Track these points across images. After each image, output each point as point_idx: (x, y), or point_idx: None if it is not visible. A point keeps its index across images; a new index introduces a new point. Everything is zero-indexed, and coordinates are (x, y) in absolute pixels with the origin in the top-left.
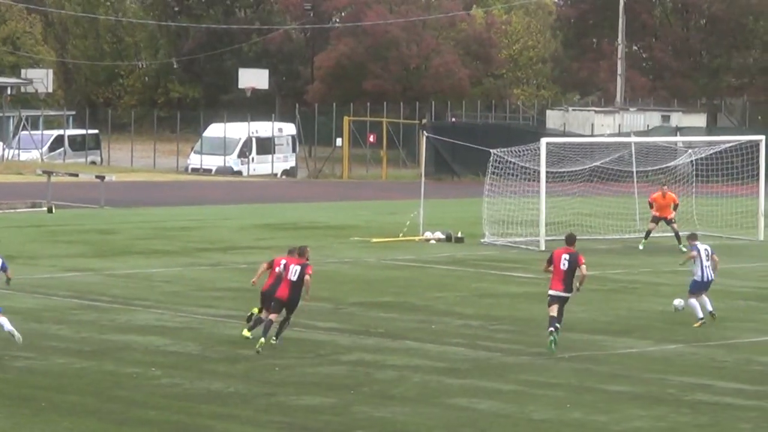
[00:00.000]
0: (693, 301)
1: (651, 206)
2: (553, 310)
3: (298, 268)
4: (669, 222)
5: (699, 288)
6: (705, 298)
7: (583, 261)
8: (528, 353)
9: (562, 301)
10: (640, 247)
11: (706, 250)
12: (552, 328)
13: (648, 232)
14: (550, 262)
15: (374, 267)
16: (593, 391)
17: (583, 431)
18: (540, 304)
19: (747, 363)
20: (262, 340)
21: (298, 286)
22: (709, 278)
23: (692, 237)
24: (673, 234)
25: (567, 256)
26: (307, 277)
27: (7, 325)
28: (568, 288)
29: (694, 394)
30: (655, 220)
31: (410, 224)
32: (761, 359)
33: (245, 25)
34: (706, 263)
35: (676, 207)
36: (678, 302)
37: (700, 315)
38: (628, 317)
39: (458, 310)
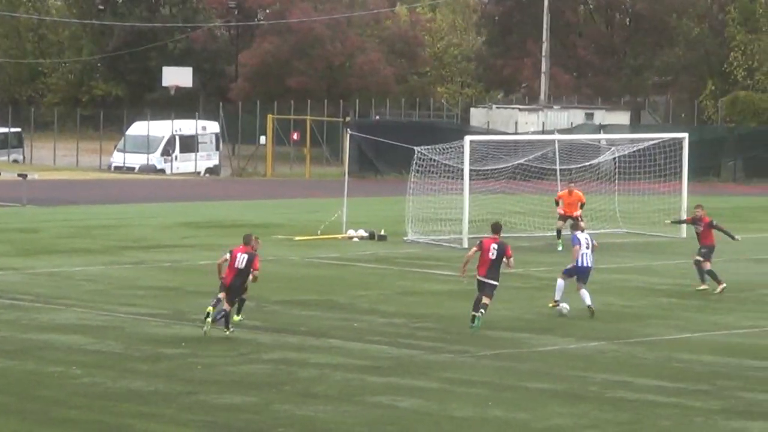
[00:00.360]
0: (560, 281)
1: (557, 204)
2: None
3: (245, 256)
4: (574, 220)
5: (572, 273)
6: (585, 292)
7: (511, 253)
8: (450, 351)
9: (490, 288)
10: (559, 248)
11: (586, 239)
12: (477, 313)
13: (558, 231)
14: (479, 247)
15: (297, 265)
16: (515, 389)
17: (505, 429)
18: (463, 302)
19: (667, 360)
20: (209, 320)
21: (243, 273)
22: (587, 265)
23: (574, 227)
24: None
25: (495, 246)
26: (255, 273)
27: None
28: (494, 276)
29: (616, 391)
30: (563, 218)
31: (331, 223)
32: (681, 356)
33: (169, 23)
34: (585, 251)
35: (582, 205)
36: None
37: (557, 297)
38: (551, 315)
39: (381, 308)
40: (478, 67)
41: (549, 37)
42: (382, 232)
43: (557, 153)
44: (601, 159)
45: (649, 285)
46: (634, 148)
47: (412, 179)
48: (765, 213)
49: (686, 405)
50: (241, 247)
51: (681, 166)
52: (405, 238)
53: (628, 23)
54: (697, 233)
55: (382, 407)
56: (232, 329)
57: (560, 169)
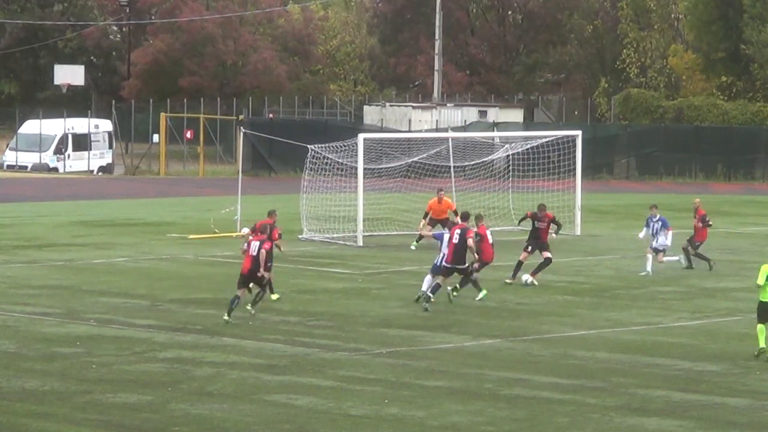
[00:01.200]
0: (428, 277)
1: (426, 215)
2: (440, 279)
3: (257, 243)
4: (445, 226)
5: (436, 270)
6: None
7: (470, 235)
8: (346, 349)
9: (458, 273)
10: (412, 247)
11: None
12: (427, 294)
13: (420, 237)
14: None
15: (192, 263)
16: (411, 387)
17: (401, 426)
18: (357, 300)
19: (563, 357)
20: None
21: (257, 260)
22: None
23: (464, 217)
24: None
25: (459, 231)
26: (262, 251)
27: None
28: (460, 261)
29: (512, 389)
30: (433, 223)
31: (221, 219)
32: (577, 353)
33: (60, 21)
34: (445, 250)
35: (455, 213)
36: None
37: (424, 288)
38: (446, 312)
39: (276, 307)
40: (371, 65)
41: (441, 36)
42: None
43: (451, 151)
44: (494, 156)
45: (544, 282)
46: (528, 146)
47: (306, 177)
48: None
49: (582, 402)
50: (257, 235)
51: (575, 164)
52: (299, 237)
53: (520, 21)
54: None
55: (278, 405)
56: (254, 311)
57: (454, 167)
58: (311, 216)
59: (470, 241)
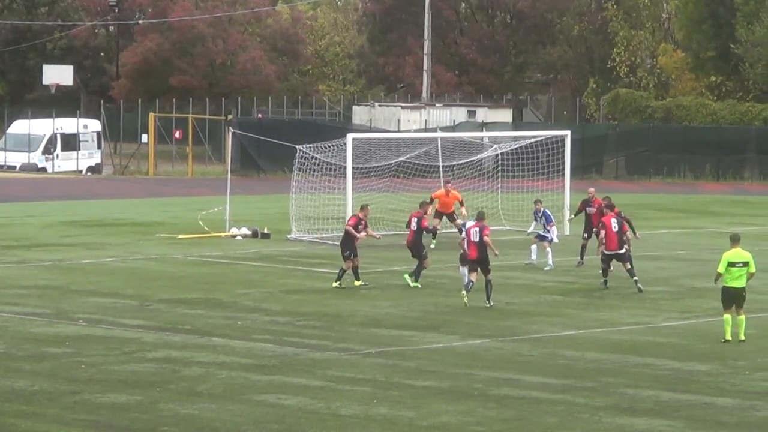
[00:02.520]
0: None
1: (431, 201)
2: (472, 276)
3: (415, 219)
4: (451, 219)
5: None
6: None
7: (487, 233)
8: (335, 349)
9: (479, 264)
10: (432, 246)
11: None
12: (465, 290)
13: (434, 233)
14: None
15: (181, 264)
16: (400, 387)
17: (391, 426)
18: (347, 300)
19: (552, 357)
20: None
21: (418, 233)
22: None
23: (480, 217)
24: (456, 230)
25: (477, 229)
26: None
27: None
28: (484, 258)
29: (501, 389)
30: (439, 215)
31: (209, 218)
32: (566, 353)
33: (48, 22)
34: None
35: (461, 204)
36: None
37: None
38: (436, 312)
39: (265, 306)
40: (360, 64)
41: (430, 35)
42: (266, 231)
43: (440, 150)
44: (483, 156)
45: (533, 282)
46: (516, 146)
47: (295, 177)
48: (646, 209)
49: (571, 402)
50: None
51: (563, 164)
52: (288, 236)
53: (509, 21)
54: None
55: (267, 405)
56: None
57: (443, 167)
58: (300, 216)
59: (487, 239)
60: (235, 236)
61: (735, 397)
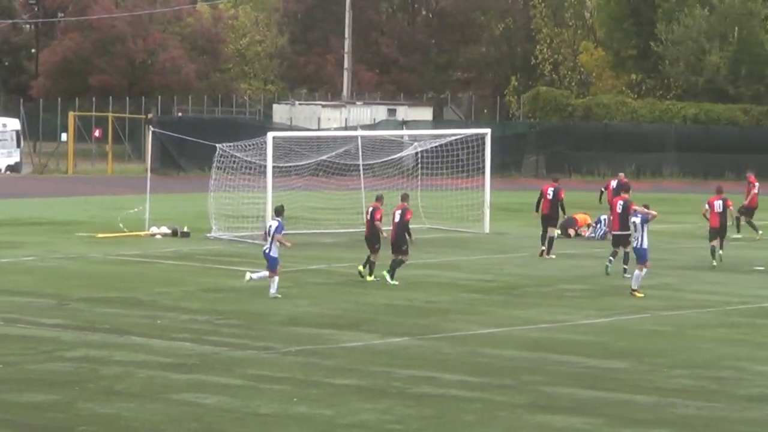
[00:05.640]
0: None
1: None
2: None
3: (399, 212)
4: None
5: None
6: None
7: (408, 217)
8: (254, 347)
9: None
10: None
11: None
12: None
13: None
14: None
15: (100, 262)
16: (319, 385)
17: (310, 425)
18: (266, 298)
19: (471, 355)
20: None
21: (400, 227)
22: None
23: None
24: None
25: (399, 211)
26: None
27: None
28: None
29: (420, 387)
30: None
31: (129, 218)
32: (485, 351)
33: None
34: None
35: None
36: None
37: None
38: (355, 310)
39: (184, 305)
40: (281, 64)
41: (351, 35)
42: (185, 229)
43: (360, 149)
44: (403, 155)
45: (452, 280)
46: (437, 144)
47: (214, 176)
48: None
49: (490, 400)
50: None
51: (484, 162)
52: (208, 235)
53: (432, 20)
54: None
55: (186, 404)
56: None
57: (363, 165)
58: (220, 214)
59: (378, 224)
60: (154, 235)
61: (653, 395)
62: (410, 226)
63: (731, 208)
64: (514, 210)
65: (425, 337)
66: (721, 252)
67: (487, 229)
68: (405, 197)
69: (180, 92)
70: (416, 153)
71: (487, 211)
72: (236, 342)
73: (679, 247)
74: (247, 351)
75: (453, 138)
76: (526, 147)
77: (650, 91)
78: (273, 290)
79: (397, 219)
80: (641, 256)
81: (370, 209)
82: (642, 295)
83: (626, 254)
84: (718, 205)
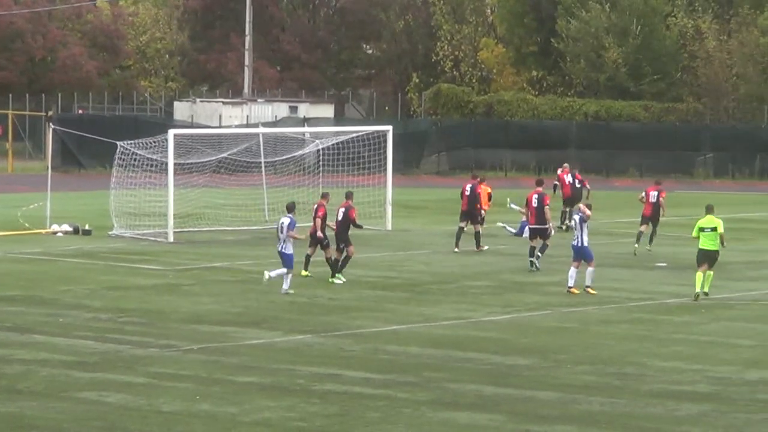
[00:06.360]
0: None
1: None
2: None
3: (342, 210)
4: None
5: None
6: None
7: (353, 214)
8: (157, 345)
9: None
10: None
11: None
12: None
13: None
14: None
15: (0, 261)
16: (222, 383)
17: (213, 423)
18: (168, 296)
19: (374, 352)
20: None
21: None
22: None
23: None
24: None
25: (343, 209)
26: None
27: None
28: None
29: (323, 384)
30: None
31: (31, 216)
32: (388, 348)
33: None
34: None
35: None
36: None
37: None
38: (258, 308)
39: (87, 303)
40: (182, 61)
41: (252, 31)
42: (87, 227)
43: (262, 146)
44: (305, 151)
45: (355, 278)
46: (338, 141)
47: (115, 174)
48: None
49: (394, 397)
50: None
51: (385, 159)
52: (110, 233)
53: (333, 17)
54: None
55: (89, 403)
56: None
57: (265, 162)
58: (121, 212)
59: (318, 221)
60: (55, 233)
61: (556, 391)
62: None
63: (663, 198)
64: (416, 207)
65: (328, 335)
66: (649, 248)
67: (389, 226)
68: (349, 195)
69: (80, 90)
70: (318, 150)
71: (389, 208)
72: (139, 340)
73: None
74: (149, 349)
75: (354, 135)
76: (428, 144)
77: (551, 88)
78: (285, 286)
79: (340, 217)
80: (587, 255)
81: (315, 206)
82: (595, 292)
83: (545, 245)
84: (653, 195)
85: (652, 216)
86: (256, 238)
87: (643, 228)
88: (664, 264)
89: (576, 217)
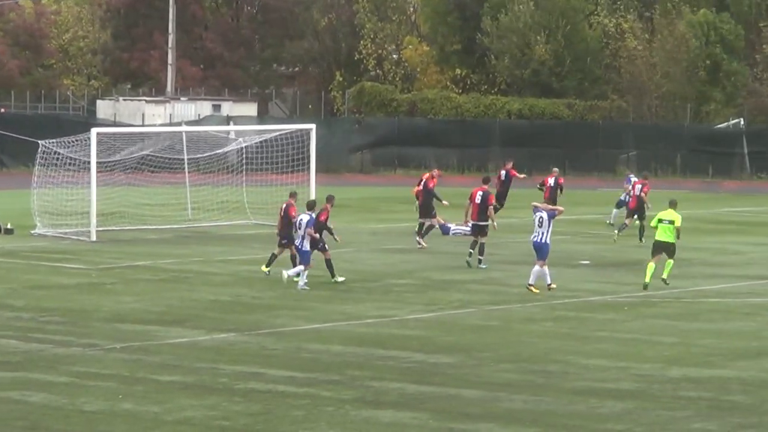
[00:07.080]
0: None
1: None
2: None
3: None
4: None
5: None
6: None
7: (323, 217)
8: (79, 344)
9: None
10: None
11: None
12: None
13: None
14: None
15: None
16: (145, 382)
17: (136, 422)
18: (91, 295)
19: (297, 351)
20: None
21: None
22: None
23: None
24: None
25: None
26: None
27: None
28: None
29: (247, 383)
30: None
31: None
32: (311, 346)
33: None
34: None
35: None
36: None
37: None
38: (180, 307)
39: (9, 302)
40: (104, 59)
41: (175, 30)
42: (9, 226)
43: (185, 144)
44: (227, 149)
45: (278, 276)
46: (261, 139)
47: (37, 173)
48: (390, 203)
49: (317, 395)
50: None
51: (309, 157)
52: (32, 232)
53: (255, 15)
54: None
55: (11, 402)
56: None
57: (188, 160)
58: (44, 211)
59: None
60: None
61: (480, 389)
62: (236, 222)
63: (646, 192)
64: (340, 206)
65: (251, 333)
66: (641, 242)
67: None
68: (330, 199)
69: (2, 88)
70: (241, 149)
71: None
72: (61, 339)
73: (503, 241)
74: (71, 348)
75: (278, 133)
76: (351, 142)
77: (475, 86)
78: (302, 283)
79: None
80: (544, 252)
81: (284, 206)
82: (537, 291)
83: (482, 245)
84: (638, 188)
85: (637, 209)
86: (179, 236)
87: (627, 221)
88: (588, 262)
89: (544, 215)
